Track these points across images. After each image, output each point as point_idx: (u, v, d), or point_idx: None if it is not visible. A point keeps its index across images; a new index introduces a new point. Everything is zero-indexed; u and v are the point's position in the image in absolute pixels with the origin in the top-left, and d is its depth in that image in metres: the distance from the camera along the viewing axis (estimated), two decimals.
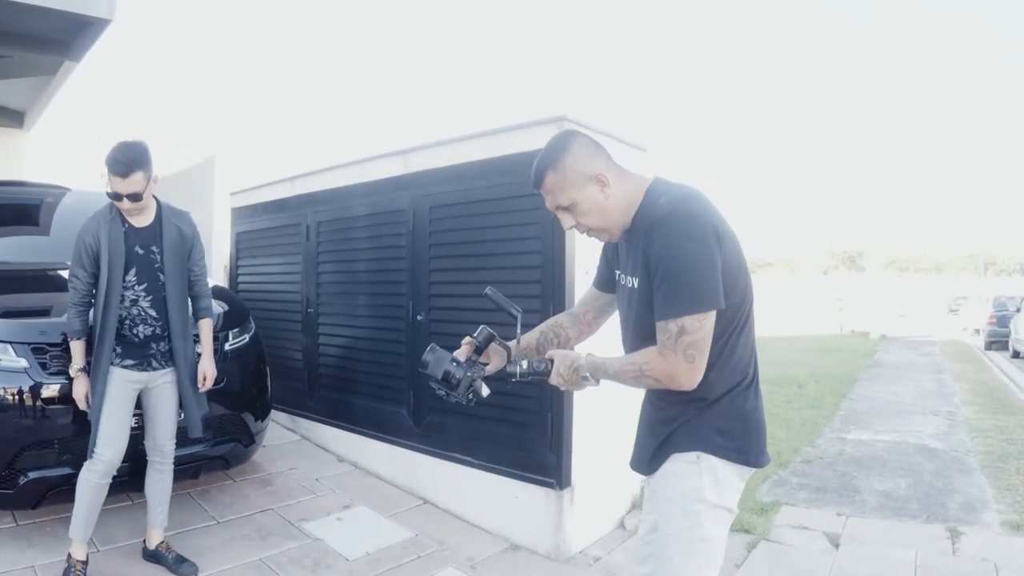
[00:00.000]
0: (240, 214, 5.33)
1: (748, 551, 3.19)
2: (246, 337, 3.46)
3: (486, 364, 1.71)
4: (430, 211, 3.52)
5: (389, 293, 3.81)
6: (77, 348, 2.57)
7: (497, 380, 1.69)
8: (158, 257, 2.60)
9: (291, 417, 4.65)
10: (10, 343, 2.72)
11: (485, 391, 1.67)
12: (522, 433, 3.13)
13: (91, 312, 2.60)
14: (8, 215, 3.99)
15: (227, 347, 3.29)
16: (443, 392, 1.67)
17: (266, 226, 4.96)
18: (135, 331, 2.57)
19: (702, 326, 1.39)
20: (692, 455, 1.50)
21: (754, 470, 1.56)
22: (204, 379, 2.77)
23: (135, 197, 2.47)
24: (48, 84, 6.23)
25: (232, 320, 3.41)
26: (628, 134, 3.28)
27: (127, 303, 2.55)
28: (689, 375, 1.41)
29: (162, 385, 2.66)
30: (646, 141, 3.33)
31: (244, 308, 3.70)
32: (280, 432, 4.53)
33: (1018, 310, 14.70)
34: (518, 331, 1.67)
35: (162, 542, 2.77)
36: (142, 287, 2.57)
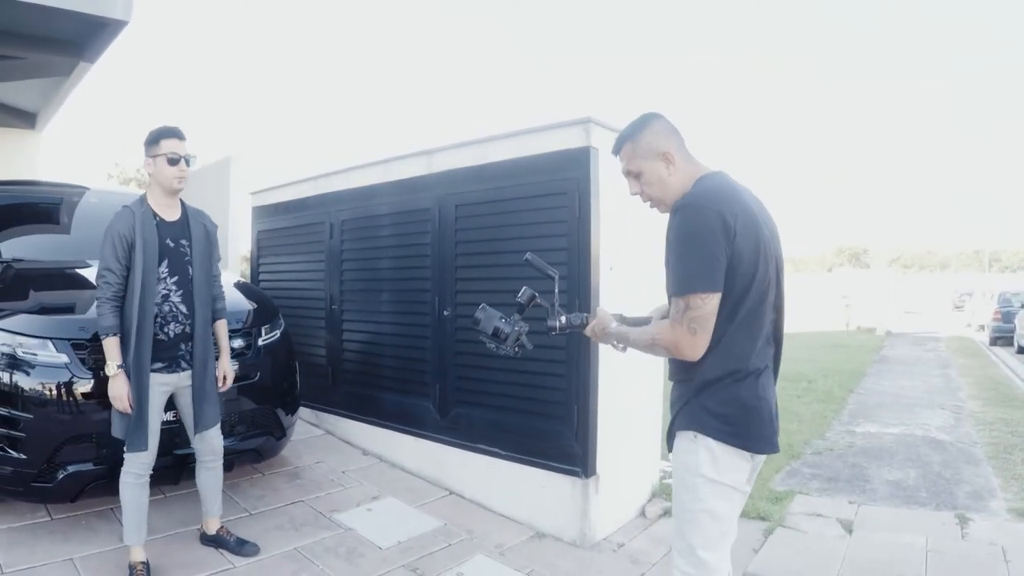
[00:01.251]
0: (261, 213, 5.39)
1: (765, 537, 3.29)
2: (277, 333, 3.54)
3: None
4: (456, 209, 3.59)
5: (414, 289, 3.88)
6: (113, 344, 2.47)
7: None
8: (188, 250, 2.63)
9: (315, 412, 4.72)
10: (51, 339, 2.74)
11: (530, 344, 1.91)
12: (548, 424, 3.21)
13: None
14: (29, 214, 4.01)
15: (260, 342, 3.37)
16: (493, 345, 1.91)
17: (288, 224, 5.01)
18: (166, 330, 2.56)
19: (704, 304, 1.56)
20: (690, 434, 1.67)
21: (761, 455, 1.70)
22: (224, 379, 2.78)
23: (189, 160, 2.62)
24: (61, 85, 6.20)
25: (263, 316, 3.48)
26: None
27: (159, 299, 2.53)
28: (692, 346, 1.58)
29: (190, 388, 2.65)
30: None
31: (273, 305, 3.77)
32: (304, 427, 4.60)
33: (1023, 306, 14.75)
34: (555, 291, 1.87)
35: (221, 527, 2.87)
36: (174, 280, 2.57)
